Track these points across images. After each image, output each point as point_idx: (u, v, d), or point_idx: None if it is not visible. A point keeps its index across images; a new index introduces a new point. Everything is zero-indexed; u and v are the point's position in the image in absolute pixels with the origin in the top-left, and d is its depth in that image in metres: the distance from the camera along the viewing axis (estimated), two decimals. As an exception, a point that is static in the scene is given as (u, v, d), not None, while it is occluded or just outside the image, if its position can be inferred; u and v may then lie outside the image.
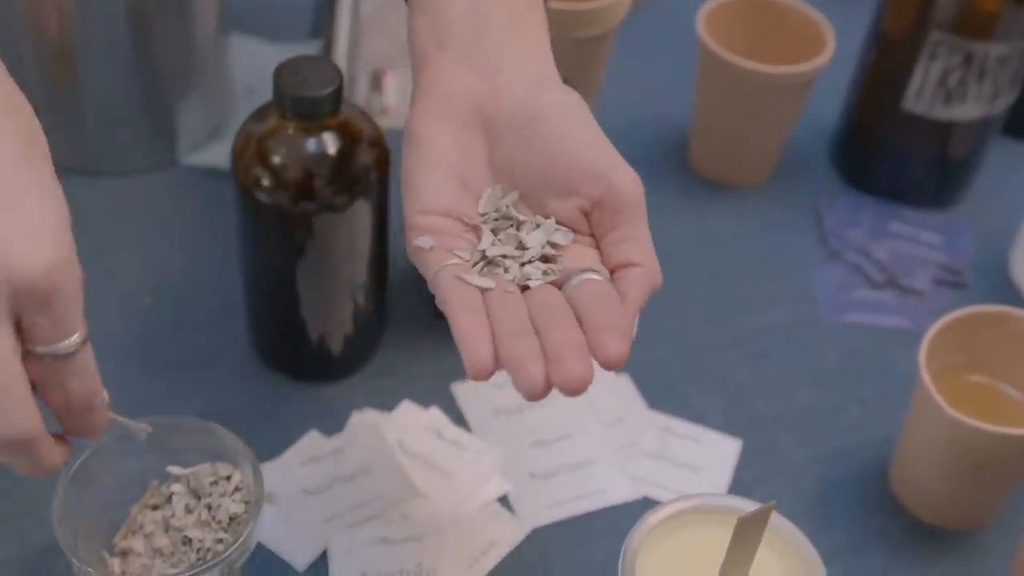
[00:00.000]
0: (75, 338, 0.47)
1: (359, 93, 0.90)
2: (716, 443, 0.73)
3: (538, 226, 0.53)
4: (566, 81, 0.56)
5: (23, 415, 0.47)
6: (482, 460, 0.70)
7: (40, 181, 0.47)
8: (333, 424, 0.72)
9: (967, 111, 0.84)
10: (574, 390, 0.46)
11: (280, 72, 0.62)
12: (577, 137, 0.53)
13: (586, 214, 0.53)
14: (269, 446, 0.70)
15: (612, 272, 0.52)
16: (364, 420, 0.72)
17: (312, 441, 0.71)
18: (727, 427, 0.74)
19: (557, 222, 0.53)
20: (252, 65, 0.90)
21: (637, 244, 0.52)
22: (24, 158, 0.46)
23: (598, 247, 0.53)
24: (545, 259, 0.52)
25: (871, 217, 0.88)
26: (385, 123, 0.89)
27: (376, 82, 0.91)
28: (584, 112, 0.54)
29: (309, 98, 0.62)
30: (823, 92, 0.92)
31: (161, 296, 0.78)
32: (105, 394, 0.51)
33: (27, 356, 0.47)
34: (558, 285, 0.51)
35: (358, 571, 0.65)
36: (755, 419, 0.75)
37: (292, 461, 0.69)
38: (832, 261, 0.85)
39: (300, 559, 0.65)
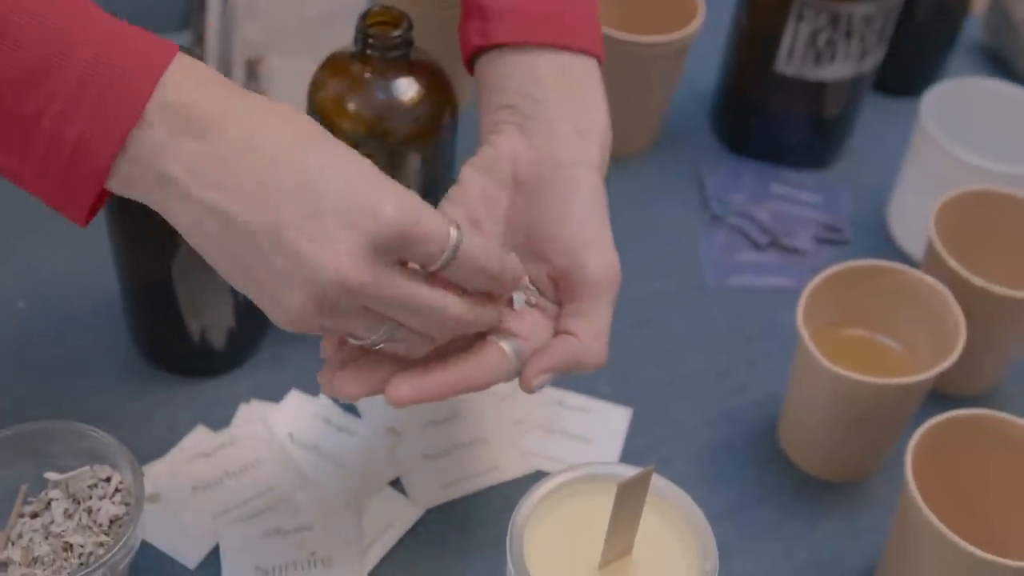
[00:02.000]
0: (447, 252, 0.51)
1: (235, 81, 0.89)
2: (607, 413, 0.74)
3: None
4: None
5: (457, 311, 0.52)
6: (373, 445, 0.70)
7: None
8: (220, 418, 0.71)
9: (837, 71, 0.85)
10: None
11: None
12: (571, 212, 0.58)
13: (555, 282, 0.58)
14: (156, 444, 0.69)
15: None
16: (252, 412, 0.71)
17: (199, 437, 0.70)
18: (617, 396, 0.75)
19: (527, 285, 0.59)
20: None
21: (584, 320, 0.57)
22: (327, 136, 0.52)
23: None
24: None
25: (752, 180, 0.90)
26: (262, 111, 0.88)
27: (252, 71, 0.90)
28: (593, 194, 0.59)
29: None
30: (700, 59, 0.93)
31: (36, 299, 0.76)
32: (510, 260, 0.54)
33: (434, 277, 0.52)
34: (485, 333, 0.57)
35: (251, 565, 0.64)
36: (645, 387, 0.76)
37: (179, 458, 0.68)
38: (715, 226, 0.86)
39: (191, 557, 0.64)
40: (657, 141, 0.92)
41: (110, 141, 0.48)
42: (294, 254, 0.48)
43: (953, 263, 0.70)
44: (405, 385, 0.54)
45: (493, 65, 0.62)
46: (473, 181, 0.60)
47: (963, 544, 0.57)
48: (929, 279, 0.70)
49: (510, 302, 0.59)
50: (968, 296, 0.69)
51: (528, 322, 0.58)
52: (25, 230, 0.80)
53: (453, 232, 0.51)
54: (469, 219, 0.60)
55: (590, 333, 0.57)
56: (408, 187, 0.71)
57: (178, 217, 0.50)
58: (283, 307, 0.50)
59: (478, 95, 0.63)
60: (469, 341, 0.57)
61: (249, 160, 0.49)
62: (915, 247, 0.84)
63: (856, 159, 0.93)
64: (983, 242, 0.75)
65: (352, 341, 0.54)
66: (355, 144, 0.68)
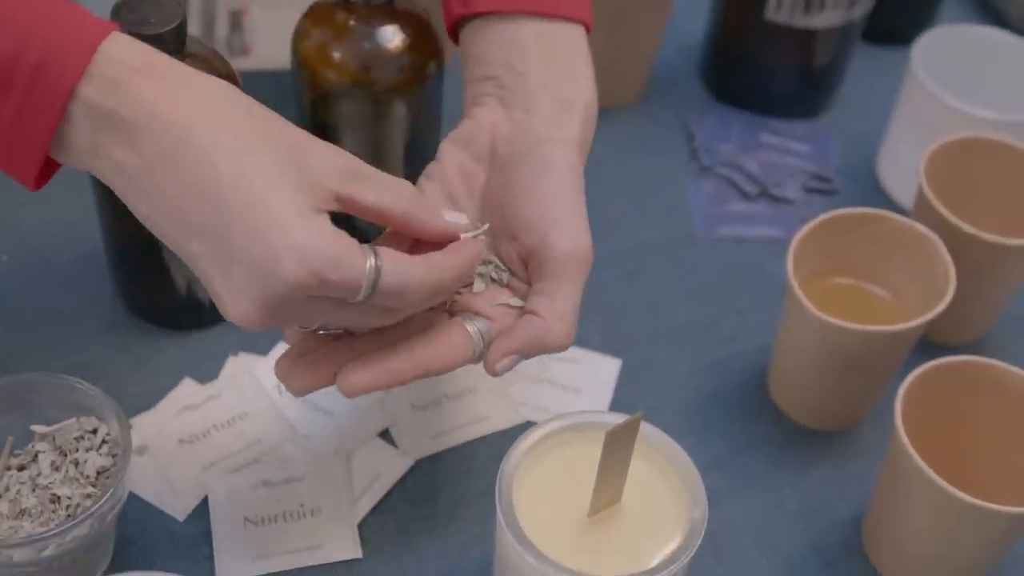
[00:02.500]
0: (363, 289, 0.49)
1: (219, 33, 0.88)
2: (596, 363, 0.73)
3: (485, 263, 0.57)
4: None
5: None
6: (361, 397, 0.69)
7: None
8: (208, 371, 0.71)
9: (827, 19, 0.84)
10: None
11: (119, 10, 0.60)
12: (542, 189, 0.56)
13: (523, 260, 0.57)
14: (143, 397, 0.69)
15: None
16: (239, 365, 0.71)
17: (186, 389, 0.69)
18: (606, 347, 0.74)
19: (499, 263, 0.58)
20: (91, 4, 0.86)
21: (549, 300, 0.55)
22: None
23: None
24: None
25: (741, 130, 0.89)
26: (246, 64, 0.87)
27: (236, 22, 0.89)
28: (567, 171, 0.57)
29: (150, 35, 0.60)
30: (689, 9, 0.93)
31: (19, 252, 0.75)
32: (449, 273, 0.52)
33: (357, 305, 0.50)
34: (451, 312, 0.57)
35: (240, 516, 0.64)
36: (633, 337, 0.75)
37: (167, 411, 0.68)
38: (704, 176, 0.86)
39: (179, 509, 0.64)
40: (645, 92, 0.91)
41: (43, 132, 0.48)
42: (209, 284, 0.50)
43: (943, 210, 0.70)
44: (358, 372, 0.52)
45: (476, 35, 0.60)
46: (451, 156, 0.59)
47: (952, 489, 0.58)
48: (919, 226, 0.69)
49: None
50: (958, 243, 0.69)
51: (498, 303, 0.57)
52: (6, 183, 0.79)
53: (370, 266, 0.49)
54: (446, 195, 0.59)
55: (555, 314, 0.55)
56: (394, 138, 0.71)
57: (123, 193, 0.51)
58: (226, 315, 0.51)
59: (462, 66, 0.62)
60: (434, 321, 0.56)
61: (169, 179, 0.48)
62: (905, 196, 0.83)
63: (846, 109, 0.92)
64: (973, 189, 0.75)
65: (300, 330, 0.54)
66: (340, 95, 0.68)
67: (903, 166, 0.83)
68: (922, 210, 0.72)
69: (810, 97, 0.91)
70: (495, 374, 0.55)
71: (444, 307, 0.57)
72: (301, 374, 0.53)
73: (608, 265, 0.79)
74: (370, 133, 0.70)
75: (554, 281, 0.56)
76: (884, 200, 0.86)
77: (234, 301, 0.49)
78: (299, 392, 0.54)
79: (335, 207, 0.50)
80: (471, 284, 0.57)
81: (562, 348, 0.56)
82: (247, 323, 0.49)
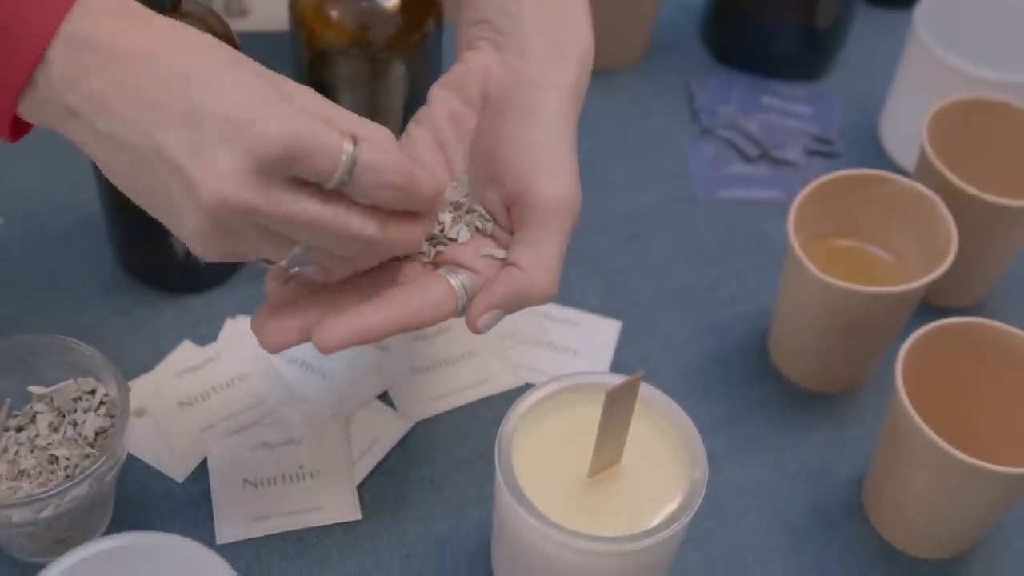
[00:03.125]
0: (342, 165, 0.47)
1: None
2: (595, 326, 0.73)
3: (468, 212, 0.56)
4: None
5: (360, 228, 0.49)
6: (361, 358, 0.69)
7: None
8: (207, 334, 0.70)
9: (830, -21, 0.84)
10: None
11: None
12: (530, 136, 0.54)
13: (508, 209, 0.55)
14: (141, 360, 0.69)
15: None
16: (238, 327, 0.71)
17: (186, 352, 0.69)
18: (606, 309, 0.74)
19: (483, 212, 0.56)
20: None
21: (532, 250, 0.54)
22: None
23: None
24: (437, 242, 0.55)
25: (742, 92, 0.88)
26: (244, 25, 0.86)
27: (232, -18, 0.88)
28: (557, 118, 0.55)
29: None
30: (689, -31, 0.92)
31: (16, 215, 0.75)
32: (428, 174, 0.50)
33: (335, 194, 0.48)
34: (435, 266, 0.55)
35: (239, 478, 0.64)
36: (633, 299, 0.75)
37: (165, 373, 0.68)
38: (705, 138, 0.85)
39: (179, 470, 0.64)
40: (646, 53, 0.90)
41: (16, 79, 0.47)
42: (179, 174, 0.47)
43: (945, 171, 0.69)
44: (334, 327, 0.50)
45: None
46: (441, 100, 0.58)
47: (952, 450, 0.57)
48: (920, 187, 0.69)
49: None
50: (960, 205, 0.68)
51: (484, 255, 0.55)
52: (3, 147, 0.78)
53: (348, 147, 0.47)
54: (435, 139, 0.58)
55: (537, 264, 0.53)
56: (393, 97, 0.70)
57: (87, 149, 0.49)
58: (185, 232, 0.49)
59: (458, 9, 0.61)
60: (415, 274, 0.55)
61: (144, 84, 0.47)
62: (907, 159, 0.83)
63: (848, 71, 0.92)
64: (976, 151, 0.74)
65: (264, 265, 0.52)
66: (338, 54, 0.67)
67: (905, 128, 0.82)
68: (924, 171, 0.71)
69: (812, 59, 0.90)
70: (477, 331, 0.53)
71: (426, 259, 0.55)
72: (276, 328, 0.52)
73: (608, 228, 0.79)
74: (368, 92, 0.69)
75: (537, 230, 0.54)
76: (886, 163, 0.85)
77: (213, 174, 0.46)
78: (273, 348, 0.52)
79: None
80: (442, 233, 0.56)
81: (545, 300, 0.54)
82: (229, 203, 0.46)
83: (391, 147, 0.50)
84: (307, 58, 0.68)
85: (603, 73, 0.88)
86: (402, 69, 0.68)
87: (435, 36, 0.69)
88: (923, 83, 0.80)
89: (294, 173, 0.47)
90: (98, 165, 0.50)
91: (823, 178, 0.69)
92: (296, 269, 0.51)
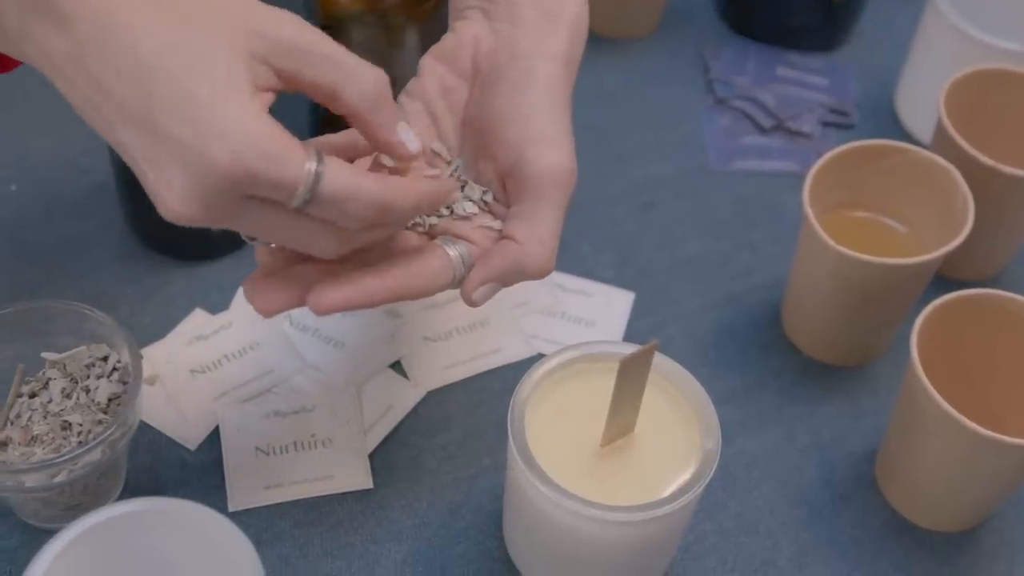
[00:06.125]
0: (300, 191, 0.45)
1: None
2: (609, 296, 0.73)
3: (464, 184, 0.55)
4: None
5: (324, 247, 0.48)
6: (374, 327, 0.69)
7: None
8: (219, 302, 0.70)
9: (847, -52, 0.83)
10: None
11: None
12: (522, 107, 0.53)
13: (502, 181, 0.54)
14: (153, 328, 0.69)
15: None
16: (250, 296, 0.70)
17: (198, 320, 0.69)
18: (619, 280, 0.74)
19: (472, 184, 0.55)
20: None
21: (528, 223, 0.52)
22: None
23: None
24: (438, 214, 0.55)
25: (757, 63, 0.88)
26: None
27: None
28: (550, 87, 0.53)
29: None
30: (704, -63, 0.91)
31: (29, 183, 0.75)
32: (401, 194, 0.48)
33: (298, 214, 0.46)
34: (431, 236, 0.54)
35: (251, 446, 0.64)
36: (647, 270, 0.75)
37: (177, 341, 0.68)
38: (719, 109, 0.85)
39: (191, 438, 0.64)
40: (661, 23, 0.90)
41: None
42: (142, 178, 0.46)
43: (962, 141, 0.69)
44: (329, 293, 0.49)
45: None
46: (432, 72, 0.56)
47: (966, 422, 0.57)
48: (937, 158, 0.68)
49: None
50: (976, 176, 0.68)
51: (480, 225, 0.54)
52: (17, 114, 0.78)
53: (311, 168, 0.45)
54: (428, 113, 0.56)
55: (533, 238, 0.52)
56: (406, 67, 0.69)
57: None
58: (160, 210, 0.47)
59: None
60: (412, 242, 0.54)
61: (99, 65, 0.44)
62: (923, 131, 0.82)
63: (864, 43, 0.91)
64: (993, 122, 0.74)
65: (248, 241, 0.51)
66: (351, 21, 0.67)
67: (922, 100, 0.82)
68: (940, 142, 0.71)
69: (828, 30, 0.89)
70: (473, 304, 0.53)
71: (422, 229, 0.55)
72: (269, 293, 0.51)
73: (622, 198, 0.78)
74: (381, 61, 0.67)
75: (533, 203, 0.53)
76: (902, 135, 0.84)
77: (166, 194, 0.45)
78: (267, 313, 0.51)
79: (277, 85, 0.46)
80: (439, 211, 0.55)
81: (542, 275, 0.53)
82: (183, 220, 0.46)
83: (355, 176, 0.46)
84: (320, 25, 0.68)
85: (618, 43, 0.88)
86: (415, 36, 0.68)
87: (448, 3, 0.68)
88: (940, 53, 0.79)
89: (250, 193, 0.45)
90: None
91: (838, 149, 0.68)
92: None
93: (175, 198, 0.45)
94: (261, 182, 0.44)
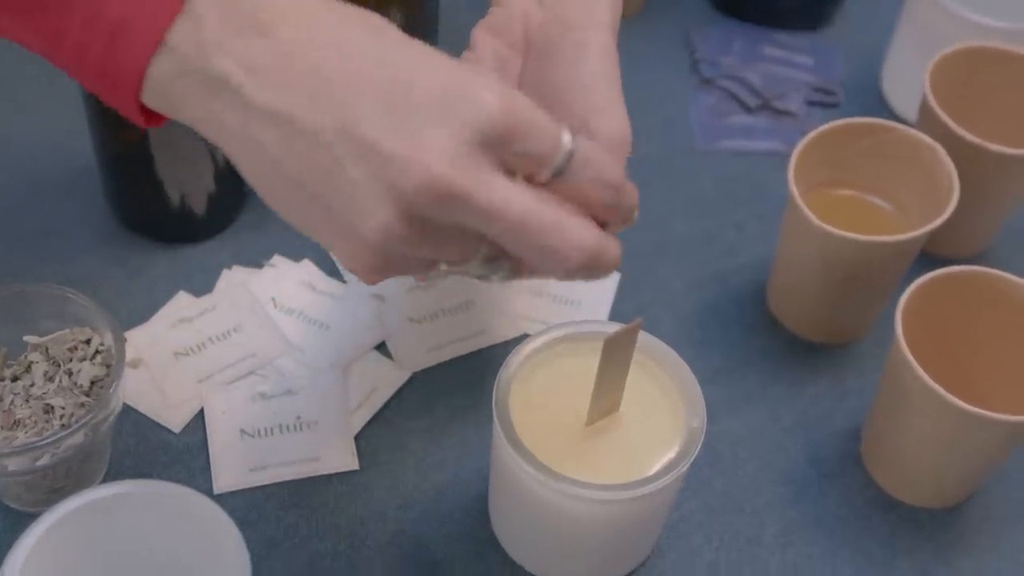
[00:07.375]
0: (560, 155, 0.45)
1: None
2: (594, 276, 0.73)
3: None
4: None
5: (581, 234, 0.45)
6: (358, 309, 0.69)
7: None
8: (203, 284, 0.70)
9: (832, -74, 0.82)
10: None
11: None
12: (580, 77, 0.54)
13: None
14: (136, 311, 0.68)
15: None
16: (234, 278, 0.70)
17: (181, 302, 0.69)
18: (605, 260, 0.74)
19: None
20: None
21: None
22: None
23: None
24: None
25: (743, 43, 0.87)
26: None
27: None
28: (603, 57, 0.54)
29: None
30: (689, -84, 0.91)
31: (9, 166, 0.74)
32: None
33: (548, 186, 0.46)
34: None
35: (236, 428, 0.64)
36: (632, 250, 0.74)
37: (161, 324, 0.68)
38: (704, 89, 0.85)
39: (175, 421, 0.64)
40: (647, 4, 0.89)
41: (150, 30, 0.42)
42: (372, 154, 0.41)
43: (947, 119, 0.69)
44: None
45: None
46: (485, 44, 0.56)
47: (950, 398, 0.57)
48: (922, 136, 0.68)
49: None
50: (962, 154, 0.68)
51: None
52: (-3, 96, 0.78)
53: (566, 133, 0.45)
54: None
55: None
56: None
57: (230, 133, 0.44)
58: (361, 232, 0.43)
59: None
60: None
61: (317, 57, 0.42)
62: (909, 110, 0.82)
63: (850, 22, 0.91)
64: (979, 100, 0.73)
65: (444, 268, 0.47)
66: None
67: (907, 79, 0.81)
68: (926, 120, 0.71)
69: (814, 10, 0.89)
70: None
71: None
72: None
73: (607, 178, 0.78)
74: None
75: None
76: (888, 113, 0.84)
77: (422, 152, 0.41)
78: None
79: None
80: None
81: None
82: (441, 183, 0.41)
83: (598, 148, 0.47)
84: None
85: (602, 23, 0.87)
86: (401, 20, 0.67)
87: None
88: (926, 32, 0.79)
89: (510, 154, 0.44)
90: (233, 157, 0.45)
91: (824, 127, 0.68)
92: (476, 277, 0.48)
93: (434, 149, 0.41)
94: (531, 130, 0.44)
